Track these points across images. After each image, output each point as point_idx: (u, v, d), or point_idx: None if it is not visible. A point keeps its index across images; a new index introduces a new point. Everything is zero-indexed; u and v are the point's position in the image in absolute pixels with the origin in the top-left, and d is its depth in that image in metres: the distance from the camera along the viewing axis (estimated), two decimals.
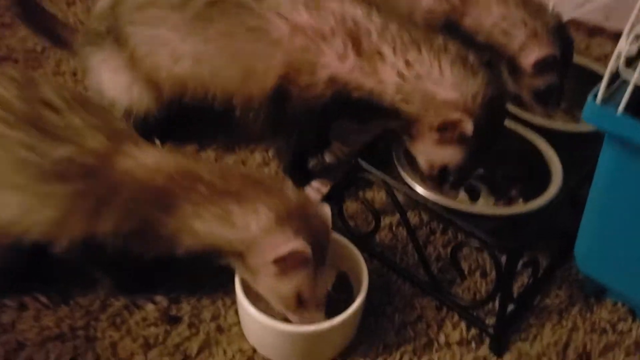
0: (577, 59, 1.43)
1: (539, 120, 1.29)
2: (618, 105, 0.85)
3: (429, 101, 1.09)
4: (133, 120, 1.31)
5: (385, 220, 1.25)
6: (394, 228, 1.25)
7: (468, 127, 1.06)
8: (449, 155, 1.13)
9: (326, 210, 1.00)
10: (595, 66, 1.45)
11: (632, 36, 0.80)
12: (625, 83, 0.84)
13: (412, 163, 1.20)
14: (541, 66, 1.29)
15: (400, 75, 1.10)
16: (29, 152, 0.92)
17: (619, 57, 0.82)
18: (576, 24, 1.82)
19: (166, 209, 0.95)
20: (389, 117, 1.15)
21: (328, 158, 1.40)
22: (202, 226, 0.94)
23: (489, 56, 1.36)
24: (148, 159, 0.98)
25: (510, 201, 1.22)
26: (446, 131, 1.09)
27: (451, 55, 1.09)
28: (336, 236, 1.09)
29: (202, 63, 1.18)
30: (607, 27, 1.84)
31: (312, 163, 1.39)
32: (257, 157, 1.40)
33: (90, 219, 0.95)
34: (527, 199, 1.17)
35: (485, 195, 1.26)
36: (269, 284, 0.94)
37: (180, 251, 0.97)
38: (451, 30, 1.39)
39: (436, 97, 1.08)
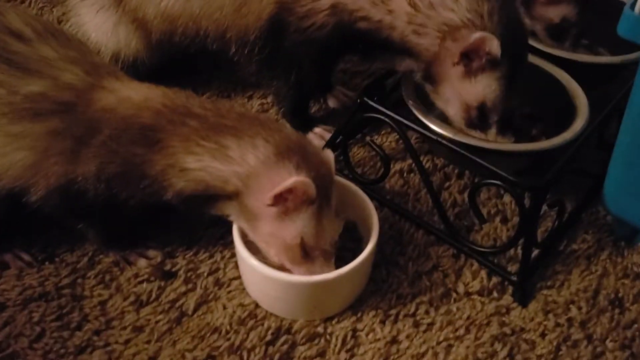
0: None
1: (560, 52, 1.18)
2: None
3: (445, 30, 0.97)
4: (121, 66, 1.22)
5: (396, 167, 1.16)
6: (405, 174, 1.15)
7: (494, 44, 0.94)
8: (483, 88, 0.99)
9: (328, 153, 0.91)
10: None
11: None
12: None
13: (424, 100, 1.09)
14: None
15: (412, 4, 0.99)
16: None
17: None
18: None
19: (153, 146, 0.86)
20: (401, 54, 1.04)
21: (331, 103, 1.30)
22: (195, 163, 0.85)
23: None
24: (132, 94, 0.88)
25: (532, 140, 1.12)
26: (472, 60, 0.97)
27: None
28: (342, 182, 1.00)
29: None
30: None
31: (314, 109, 1.29)
32: (255, 104, 1.30)
33: (68, 161, 0.86)
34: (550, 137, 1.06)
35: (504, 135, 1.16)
36: (270, 229, 0.85)
37: (169, 195, 0.88)
38: None
39: (452, 23, 0.97)
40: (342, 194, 0.97)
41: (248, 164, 0.83)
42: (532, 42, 1.18)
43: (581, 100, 1.08)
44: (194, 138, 0.84)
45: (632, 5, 0.77)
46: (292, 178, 0.80)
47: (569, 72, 1.13)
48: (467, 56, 0.97)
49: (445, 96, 1.03)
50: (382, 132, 1.23)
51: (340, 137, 1.13)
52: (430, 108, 1.07)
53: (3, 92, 0.83)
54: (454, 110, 1.03)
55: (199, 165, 0.84)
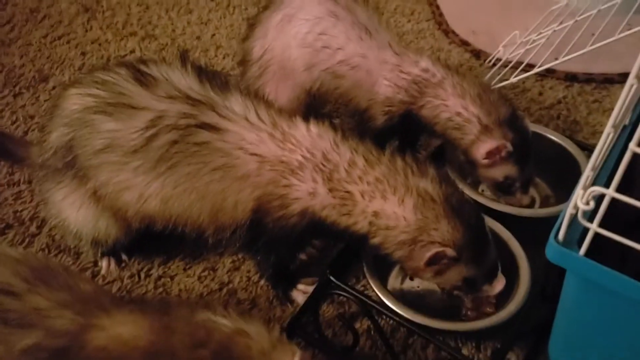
0: (554, 135, 1.47)
1: (501, 206, 1.32)
2: (579, 241, 0.87)
3: (408, 245, 1.10)
4: (100, 248, 1.31)
5: (363, 324, 1.26)
6: (371, 332, 1.25)
7: (449, 252, 1.08)
8: (452, 276, 1.14)
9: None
10: (569, 145, 1.46)
11: (587, 193, 0.80)
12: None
13: (383, 264, 1.20)
14: (493, 158, 1.32)
15: (370, 223, 1.11)
16: None
17: (575, 207, 0.83)
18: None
19: None
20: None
21: (302, 256, 1.40)
22: None
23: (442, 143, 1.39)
24: (122, 331, 0.95)
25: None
26: (436, 264, 1.11)
27: (413, 199, 1.09)
28: None
29: (170, 203, 1.16)
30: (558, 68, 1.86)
31: None
32: (227, 262, 1.39)
33: None
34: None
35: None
36: None
37: None
38: (410, 119, 1.40)
39: (405, 239, 1.10)
40: None
41: None
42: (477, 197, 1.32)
43: (524, 264, 1.20)
44: None
45: (557, 234, 0.89)
46: None
47: (514, 226, 1.26)
48: (432, 263, 1.10)
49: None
50: None
51: (311, 306, 1.24)
52: None
53: (1, 348, 0.90)
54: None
55: None
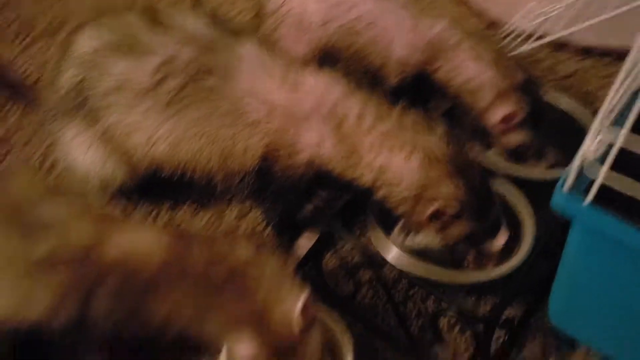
0: (566, 104, 1.46)
1: (513, 169, 1.32)
2: (586, 191, 0.88)
3: (411, 201, 1.12)
4: (108, 192, 1.32)
5: (365, 275, 1.28)
6: (374, 282, 1.27)
7: (451, 208, 1.10)
8: (458, 232, 1.16)
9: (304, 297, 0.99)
10: (582, 113, 1.46)
11: (595, 144, 0.81)
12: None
13: (386, 224, 1.21)
14: (508, 124, 1.31)
15: (376, 177, 1.12)
16: (11, 252, 0.93)
17: (583, 156, 0.84)
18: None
19: (156, 298, 0.95)
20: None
21: (308, 206, 1.41)
22: (192, 313, 0.95)
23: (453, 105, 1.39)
24: (140, 243, 0.97)
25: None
26: (438, 219, 1.12)
27: (420, 156, 1.10)
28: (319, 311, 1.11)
29: (179, 147, 1.17)
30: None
31: None
32: (234, 209, 1.41)
33: (82, 304, 0.95)
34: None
35: None
36: None
37: (169, 337, 0.98)
38: (423, 80, 1.40)
39: (408, 196, 1.11)
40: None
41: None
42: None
43: (528, 224, 1.21)
44: (191, 294, 0.95)
45: (563, 183, 0.90)
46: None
47: (524, 190, 1.27)
48: (436, 217, 1.11)
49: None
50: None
51: (314, 254, 1.25)
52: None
53: (18, 255, 0.93)
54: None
55: (196, 316, 0.95)
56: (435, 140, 1.12)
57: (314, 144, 1.13)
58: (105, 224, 0.99)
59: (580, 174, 0.89)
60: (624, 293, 0.96)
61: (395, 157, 1.11)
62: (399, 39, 1.41)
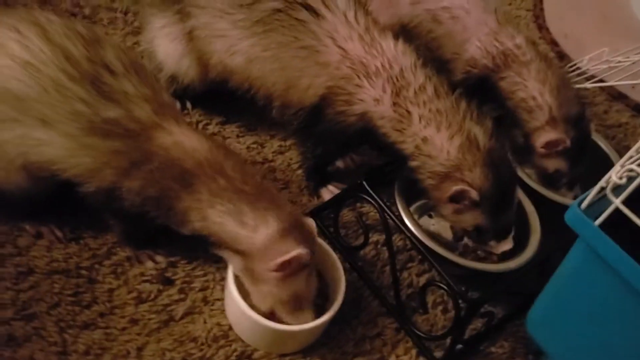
0: (607, 148, 1.52)
1: (534, 184, 1.40)
2: (599, 214, 0.96)
3: (440, 177, 1.20)
4: (175, 86, 1.42)
5: (374, 237, 1.37)
6: (379, 246, 1.37)
7: (472, 194, 1.17)
8: (472, 219, 1.23)
9: (311, 223, 1.11)
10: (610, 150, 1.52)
11: (623, 170, 0.89)
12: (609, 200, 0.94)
13: (409, 194, 1.30)
14: (550, 149, 1.38)
15: (417, 146, 1.20)
16: (84, 107, 1.04)
17: (608, 180, 0.92)
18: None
19: (186, 188, 1.06)
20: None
21: (339, 163, 1.51)
22: (215, 216, 1.06)
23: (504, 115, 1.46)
24: (185, 141, 1.08)
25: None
26: (458, 202, 1.20)
27: (462, 139, 1.18)
28: (325, 246, 1.21)
29: (253, 63, 1.26)
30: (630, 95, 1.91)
31: None
32: (275, 143, 1.51)
33: (121, 174, 1.07)
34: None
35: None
36: (269, 288, 1.07)
37: (186, 230, 1.09)
38: (485, 85, 1.47)
39: (441, 172, 1.19)
40: (322, 256, 1.20)
41: (259, 235, 1.04)
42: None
43: (536, 231, 1.30)
44: (219, 195, 1.05)
45: (581, 201, 0.98)
46: (294, 251, 1.02)
47: (540, 204, 1.35)
48: (455, 199, 1.19)
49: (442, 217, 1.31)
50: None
51: (336, 202, 1.35)
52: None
53: (89, 111, 1.03)
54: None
55: (218, 219, 1.05)
56: (480, 129, 1.20)
57: (372, 99, 1.22)
58: (165, 113, 1.10)
59: (600, 199, 0.98)
60: (604, 318, 1.04)
61: (440, 133, 1.19)
62: (476, 40, 1.48)
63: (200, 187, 1.06)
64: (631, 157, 0.91)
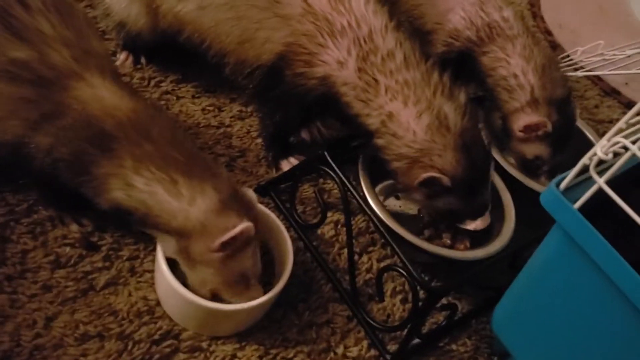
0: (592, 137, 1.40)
1: (514, 171, 1.28)
2: (577, 198, 0.84)
3: (407, 161, 1.08)
4: (124, 34, 1.28)
5: (335, 216, 1.24)
6: (339, 226, 1.24)
7: (444, 180, 1.05)
8: (442, 204, 1.12)
9: (251, 193, 0.99)
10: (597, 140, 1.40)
11: (610, 144, 0.77)
12: (591, 181, 0.82)
13: (375, 173, 1.17)
14: (529, 134, 1.26)
15: (382, 122, 1.07)
16: None
17: (593, 155, 0.80)
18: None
19: (105, 152, 0.91)
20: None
21: (304, 134, 1.38)
22: (143, 185, 0.91)
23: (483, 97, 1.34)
24: (106, 96, 0.94)
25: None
26: (428, 187, 1.08)
27: (430, 118, 1.05)
28: (273, 217, 1.08)
29: (205, 12, 1.13)
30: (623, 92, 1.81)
31: None
32: (235, 108, 1.38)
33: (29, 127, 0.92)
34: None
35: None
36: (211, 271, 0.93)
37: (105, 202, 0.94)
38: (466, 61, 1.35)
39: (410, 155, 1.07)
40: (270, 232, 1.06)
41: (197, 208, 0.90)
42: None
43: (509, 221, 1.17)
44: (145, 162, 0.91)
45: (560, 181, 0.86)
46: (239, 226, 0.88)
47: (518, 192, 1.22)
48: (425, 184, 1.06)
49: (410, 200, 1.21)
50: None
51: (295, 175, 1.22)
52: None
53: None
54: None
55: (146, 188, 0.90)
56: (452, 107, 1.07)
57: (335, 61, 1.09)
58: (88, 63, 0.94)
59: (583, 182, 0.85)
60: (580, 317, 0.92)
61: (407, 109, 1.06)
62: (460, 10, 1.36)
63: (121, 151, 0.91)
64: (620, 129, 0.79)
